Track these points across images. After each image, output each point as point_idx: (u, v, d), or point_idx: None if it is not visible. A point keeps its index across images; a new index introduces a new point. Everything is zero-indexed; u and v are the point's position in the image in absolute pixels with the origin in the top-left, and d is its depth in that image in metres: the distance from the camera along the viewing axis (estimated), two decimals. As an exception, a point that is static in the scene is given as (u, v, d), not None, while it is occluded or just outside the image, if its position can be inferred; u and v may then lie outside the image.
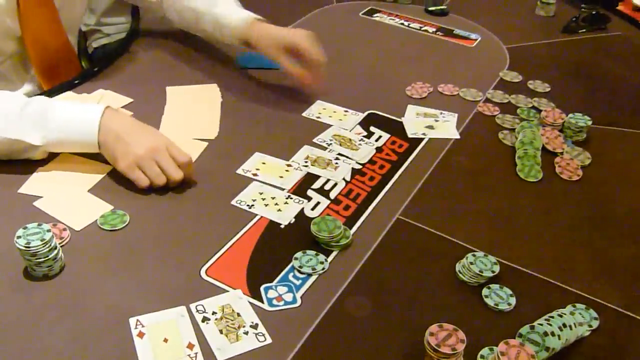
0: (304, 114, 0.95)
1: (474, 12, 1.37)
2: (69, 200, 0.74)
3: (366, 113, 0.96)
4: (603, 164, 0.88)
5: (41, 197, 0.74)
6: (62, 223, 0.70)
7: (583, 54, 1.22)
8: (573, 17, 1.30)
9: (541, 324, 0.58)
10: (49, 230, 0.62)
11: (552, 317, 0.59)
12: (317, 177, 0.81)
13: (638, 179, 0.86)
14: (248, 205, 0.75)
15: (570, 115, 0.93)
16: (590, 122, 0.91)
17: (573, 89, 1.08)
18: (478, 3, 1.45)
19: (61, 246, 0.66)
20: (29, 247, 0.61)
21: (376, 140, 0.90)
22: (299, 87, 0.97)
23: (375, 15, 1.36)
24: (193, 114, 0.94)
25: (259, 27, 0.95)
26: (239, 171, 0.81)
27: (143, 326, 0.58)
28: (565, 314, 0.59)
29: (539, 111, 0.97)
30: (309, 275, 0.66)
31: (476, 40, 1.24)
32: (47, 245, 0.61)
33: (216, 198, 0.76)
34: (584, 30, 1.29)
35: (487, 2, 1.46)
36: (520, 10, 1.40)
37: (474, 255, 0.67)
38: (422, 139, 0.91)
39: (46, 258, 0.62)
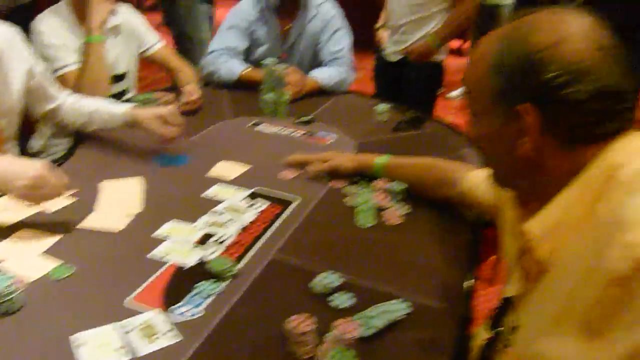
0: (202, 195, 1.28)
1: (334, 120, 1.81)
2: (26, 260, 1.00)
3: (252, 190, 1.31)
4: (417, 213, 1.26)
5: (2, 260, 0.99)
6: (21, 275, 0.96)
7: (408, 145, 1.67)
8: (399, 120, 1.77)
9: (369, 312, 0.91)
10: (10, 277, 0.88)
11: (377, 307, 0.92)
12: (214, 234, 1.12)
13: (437, 220, 1.25)
14: (162, 255, 1.04)
15: (393, 182, 1.32)
16: (405, 186, 1.31)
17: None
18: (337, 113, 1.90)
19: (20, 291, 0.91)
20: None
21: (258, 207, 1.24)
22: (201, 174, 1.33)
23: (259, 126, 1.76)
24: (123, 196, 1.25)
25: (139, 110, 1.47)
26: (156, 233, 1.11)
27: (81, 341, 0.84)
28: (385, 305, 0.93)
29: (373, 179, 1.36)
30: (209, 296, 0.95)
31: (332, 139, 1.66)
32: (8, 288, 0.87)
33: (140, 252, 1.05)
34: (408, 129, 1.75)
35: (344, 112, 1.92)
36: (366, 117, 1.87)
37: (323, 274, 1.00)
38: (291, 202, 1.26)
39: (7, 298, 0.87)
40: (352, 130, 1.73)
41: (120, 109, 1.51)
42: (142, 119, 1.46)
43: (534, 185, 0.76)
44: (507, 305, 0.83)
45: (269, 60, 1.83)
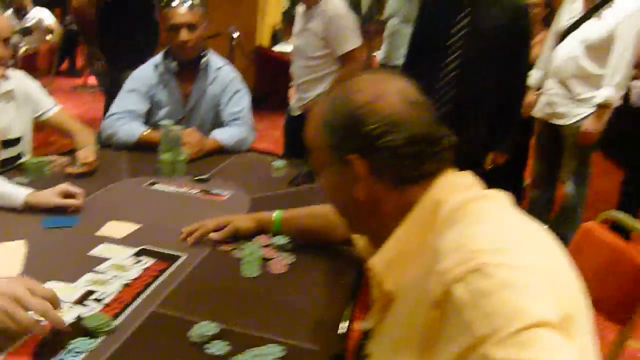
0: (89, 254, 1.28)
1: (231, 177, 1.87)
2: None
3: (140, 247, 1.32)
4: (303, 260, 1.32)
5: None
6: None
7: (303, 197, 1.75)
8: (295, 175, 1.86)
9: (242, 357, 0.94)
10: None
11: (251, 351, 0.96)
12: (95, 292, 1.12)
13: (322, 265, 1.31)
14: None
15: (278, 237, 1.38)
16: (289, 240, 1.37)
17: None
18: (235, 171, 1.97)
19: None
20: None
21: (144, 264, 1.25)
22: (90, 234, 1.34)
23: (155, 185, 1.78)
24: (1, 261, 1.22)
25: (36, 195, 1.50)
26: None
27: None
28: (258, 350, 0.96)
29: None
30: (83, 352, 0.95)
31: (227, 195, 1.72)
32: None
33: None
34: (304, 183, 1.84)
35: (241, 170, 1.99)
36: (263, 173, 1.95)
37: (201, 323, 1.02)
38: (178, 258, 1.28)
39: None
40: (245, 186, 1.79)
41: (18, 198, 1.48)
42: (42, 202, 1.48)
43: (376, 226, 0.85)
44: (365, 336, 0.89)
45: (165, 122, 1.88)
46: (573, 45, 2.73)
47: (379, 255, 0.82)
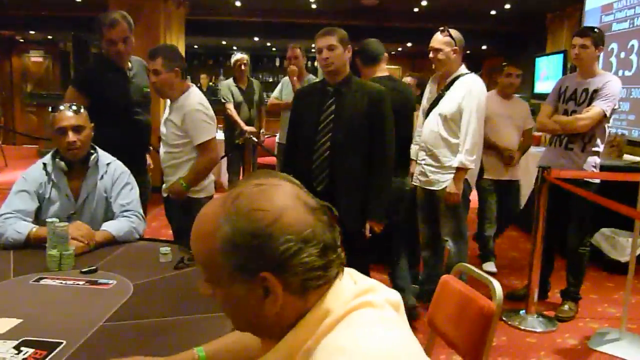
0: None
1: (118, 266, 1.98)
2: None
3: (20, 339, 1.40)
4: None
5: None
6: None
7: (188, 280, 1.89)
8: (180, 258, 2.01)
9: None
10: None
11: None
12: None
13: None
14: None
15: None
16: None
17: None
18: (123, 260, 2.09)
19: None
20: None
21: (23, 355, 1.33)
22: None
23: (42, 281, 1.86)
24: None
25: None
26: None
27: None
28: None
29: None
30: None
31: (112, 283, 1.83)
32: None
33: None
34: (190, 266, 1.99)
35: (129, 258, 2.12)
36: (150, 260, 2.08)
37: None
38: (60, 345, 1.37)
39: None
40: (132, 273, 1.92)
41: None
42: None
43: (270, 330, 0.86)
44: None
45: (51, 219, 1.99)
46: (434, 120, 3.18)
47: (269, 356, 0.85)
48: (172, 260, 2.05)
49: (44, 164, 2.32)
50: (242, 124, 5.46)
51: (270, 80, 12.53)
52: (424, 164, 3.26)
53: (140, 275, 1.90)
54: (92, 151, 2.37)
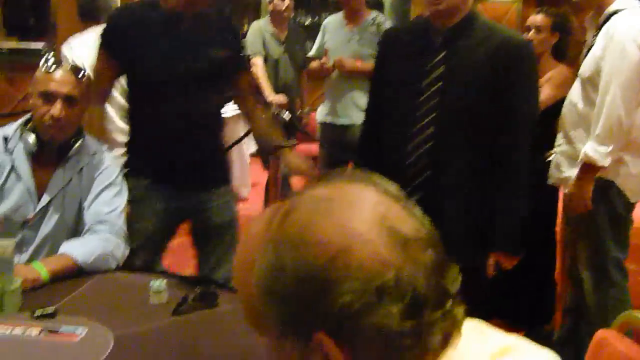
0: None
1: (88, 308, 1.37)
2: None
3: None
4: None
5: None
6: None
7: (195, 330, 1.30)
8: (182, 298, 1.39)
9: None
10: None
11: None
12: None
13: None
14: None
15: None
16: None
17: None
18: (94, 299, 1.46)
19: None
20: None
21: None
22: None
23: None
24: None
25: None
26: None
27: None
28: None
29: None
30: None
31: (81, 333, 1.23)
32: None
33: None
34: (194, 310, 1.37)
35: (101, 295, 1.50)
36: (136, 299, 1.46)
37: None
38: None
39: None
40: (111, 319, 1.31)
41: None
42: None
43: None
44: None
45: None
46: (576, 85, 2.18)
47: None
48: (170, 301, 1.43)
49: (5, 138, 1.69)
50: (268, 90, 3.45)
51: (307, 22, 6.41)
52: (559, 152, 2.24)
53: (120, 323, 1.30)
54: (77, 137, 1.72)
